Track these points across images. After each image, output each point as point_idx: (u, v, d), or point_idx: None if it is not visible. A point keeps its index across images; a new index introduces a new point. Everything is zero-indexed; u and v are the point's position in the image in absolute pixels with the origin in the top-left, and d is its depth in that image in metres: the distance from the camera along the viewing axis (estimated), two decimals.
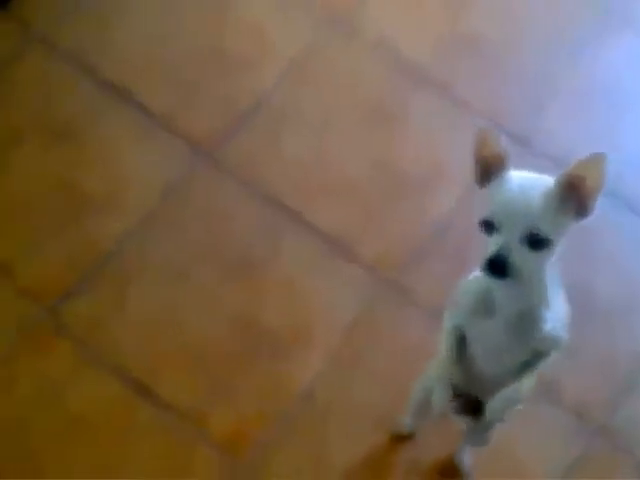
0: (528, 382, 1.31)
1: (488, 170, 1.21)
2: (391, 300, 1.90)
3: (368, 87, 2.17)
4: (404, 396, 1.71)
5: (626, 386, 1.87)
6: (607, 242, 2.02)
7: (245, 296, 1.89)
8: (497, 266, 1.16)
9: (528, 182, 1.18)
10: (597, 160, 1.15)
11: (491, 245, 1.17)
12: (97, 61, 2.11)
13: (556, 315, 1.28)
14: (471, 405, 1.42)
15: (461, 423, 1.51)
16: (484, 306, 1.28)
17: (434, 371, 1.45)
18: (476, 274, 1.31)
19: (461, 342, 1.35)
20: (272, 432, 1.75)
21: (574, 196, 1.17)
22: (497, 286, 1.24)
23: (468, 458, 1.72)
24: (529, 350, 1.30)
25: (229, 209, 1.99)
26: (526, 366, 1.31)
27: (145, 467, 1.69)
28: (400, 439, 1.74)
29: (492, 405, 1.34)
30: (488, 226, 1.18)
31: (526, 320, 1.26)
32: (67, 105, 2.07)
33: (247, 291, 1.89)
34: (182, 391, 1.77)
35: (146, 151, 2.03)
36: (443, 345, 1.36)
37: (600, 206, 2.00)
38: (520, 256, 1.16)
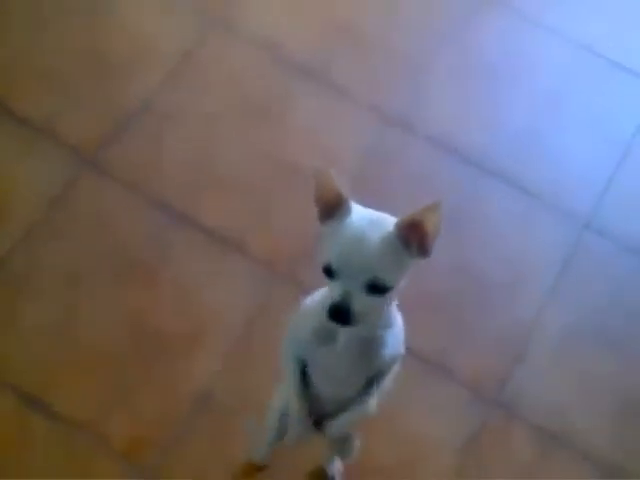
0: (373, 400, 1.32)
1: (329, 211, 1.19)
2: (285, 293, 1.91)
3: (250, 83, 2.17)
4: None
5: (515, 357, 1.91)
6: (488, 219, 2.07)
7: (140, 300, 1.87)
8: (339, 314, 1.16)
9: (367, 228, 1.16)
10: (434, 207, 1.15)
11: (332, 291, 1.17)
12: None
13: (396, 335, 1.29)
14: (320, 424, 1.40)
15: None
16: (324, 335, 1.27)
17: (280, 402, 1.47)
18: (308, 310, 1.31)
19: (303, 370, 1.35)
20: (173, 434, 1.74)
21: (413, 239, 1.17)
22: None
23: (335, 467, 1.71)
24: (371, 371, 1.30)
25: (117, 214, 1.97)
26: (368, 385, 1.31)
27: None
28: (255, 469, 1.71)
29: (335, 425, 1.34)
30: (328, 271, 1.17)
31: (368, 346, 1.26)
32: None
33: (140, 295, 1.88)
34: (78, 401, 1.74)
35: (28, 161, 2.00)
36: (288, 380, 1.35)
37: (473, 180, 2.09)
38: (361, 303, 1.16)
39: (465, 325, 1.94)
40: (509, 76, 2.27)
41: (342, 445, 1.53)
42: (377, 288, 1.16)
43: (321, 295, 1.28)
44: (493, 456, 1.79)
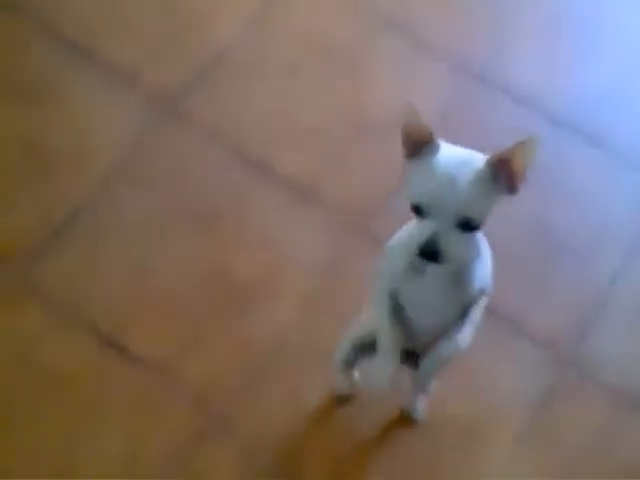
0: (465, 334, 1.32)
1: (415, 148, 1.21)
2: (358, 243, 1.91)
3: (333, 33, 2.16)
4: None
5: (593, 317, 1.89)
6: (567, 176, 2.04)
7: (216, 247, 1.89)
8: (429, 253, 1.17)
9: (456, 165, 1.17)
10: (527, 143, 1.15)
11: (422, 229, 1.17)
12: (56, 18, 2.10)
13: (483, 267, 1.30)
14: (409, 358, 1.43)
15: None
16: (415, 267, 1.28)
17: (354, 334, 1.50)
18: (401, 235, 1.32)
19: (396, 306, 1.35)
20: (246, 380, 1.76)
21: (503, 176, 1.17)
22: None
23: (419, 404, 1.73)
24: (462, 303, 1.31)
25: (196, 161, 1.98)
26: (460, 318, 1.32)
27: (118, 420, 1.70)
28: (342, 401, 1.75)
29: (428, 362, 1.35)
30: (418, 210, 1.18)
31: (458, 278, 1.27)
32: (29, 65, 2.05)
33: (217, 242, 1.89)
34: (155, 343, 1.77)
35: (111, 106, 2.02)
36: (379, 313, 1.35)
37: (558, 139, 2.05)
38: (450, 241, 1.17)
39: (543, 282, 1.91)
40: (596, 30, 2.21)
41: (423, 382, 1.53)
42: (467, 225, 1.17)
43: (410, 229, 1.28)
44: (565, 415, 1.78)
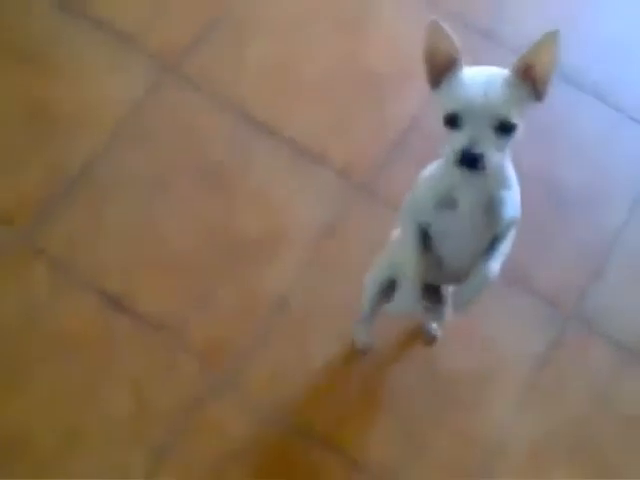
0: (496, 264, 1.33)
1: (441, 69, 1.22)
2: (362, 202, 1.91)
3: None
4: None
5: (596, 272, 1.89)
6: (573, 131, 2.03)
7: (220, 206, 1.89)
8: (469, 158, 1.18)
9: (485, 74, 1.19)
10: (548, 41, 1.17)
11: (459, 138, 1.18)
12: None
13: (513, 196, 1.31)
14: (433, 294, 1.45)
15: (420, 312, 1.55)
16: (446, 200, 1.29)
17: (380, 273, 1.51)
18: (432, 169, 1.33)
19: (424, 238, 1.36)
20: (251, 338, 1.77)
21: (529, 81, 1.19)
22: (460, 178, 1.26)
23: (434, 326, 1.76)
24: (491, 233, 1.32)
25: (197, 121, 1.98)
26: (490, 249, 1.33)
27: (125, 377, 1.72)
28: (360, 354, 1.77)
29: (464, 291, 1.35)
30: (453, 121, 1.19)
31: (490, 207, 1.28)
32: (30, 27, 2.05)
33: (221, 201, 1.90)
34: (160, 302, 1.79)
35: (111, 68, 2.02)
36: (407, 245, 1.36)
37: (564, 95, 2.04)
38: (490, 145, 1.18)
39: (546, 237, 1.91)
40: None
41: (440, 312, 1.55)
42: (504, 128, 1.18)
43: (438, 165, 1.31)
44: (570, 369, 1.79)
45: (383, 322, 1.76)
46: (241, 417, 1.70)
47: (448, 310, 1.55)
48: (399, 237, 1.43)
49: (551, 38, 1.17)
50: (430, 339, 1.77)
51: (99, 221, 1.87)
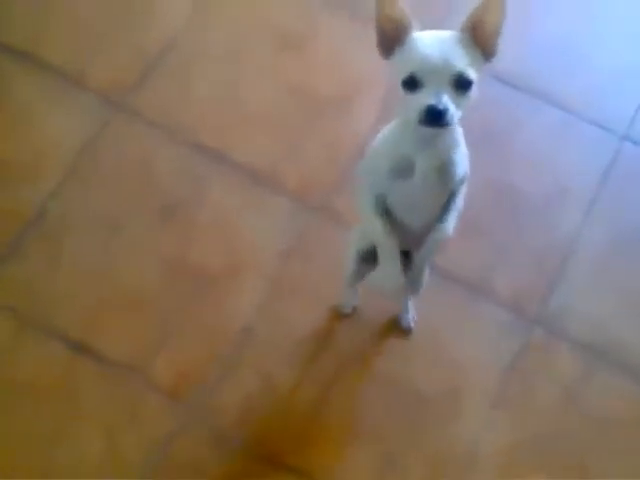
0: (451, 221, 1.39)
1: (392, 37, 1.25)
2: (321, 223, 1.91)
3: (275, 15, 2.15)
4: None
5: (556, 275, 1.90)
6: (524, 136, 2.04)
7: (178, 241, 1.89)
8: (435, 114, 1.21)
9: (437, 35, 1.24)
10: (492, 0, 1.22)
11: (422, 98, 1.22)
12: None
13: (462, 154, 1.36)
14: (406, 260, 1.48)
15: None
16: (401, 169, 1.33)
17: (356, 245, 1.56)
18: (384, 142, 1.37)
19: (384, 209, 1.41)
20: (217, 370, 1.77)
21: (479, 39, 1.24)
22: (415, 143, 1.30)
23: (410, 313, 1.80)
24: (447, 193, 1.37)
25: (149, 156, 1.98)
26: (446, 208, 1.39)
27: (95, 423, 1.70)
28: (343, 317, 1.81)
29: (424, 251, 1.42)
30: (412, 84, 1.22)
31: (443, 168, 1.33)
32: None
33: (179, 235, 1.89)
34: (124, 343, 1.78)
35: (57, 109, 2.01)
36: (372, 220, 1.40)
37: (513, 100, 2.05)
38: (451, 102, 1.22)
39: (504, 244, 1.92)
40: None
41: (416, 279, 1.55)
42: (462, 83, 1.22)
43: (389, 131, 1.36)
44: (537, 375, 1.79)
45: (351, 342, 1.77)
46: (211, 450, 1.69)
47: (425, 276, 1.56)
48: (362, 210, 1.45)
49: None
50: (407, 329, 1.80)
51: (56, 266, 1.85)
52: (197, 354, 1.77)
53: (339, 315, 1.81)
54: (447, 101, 1.21)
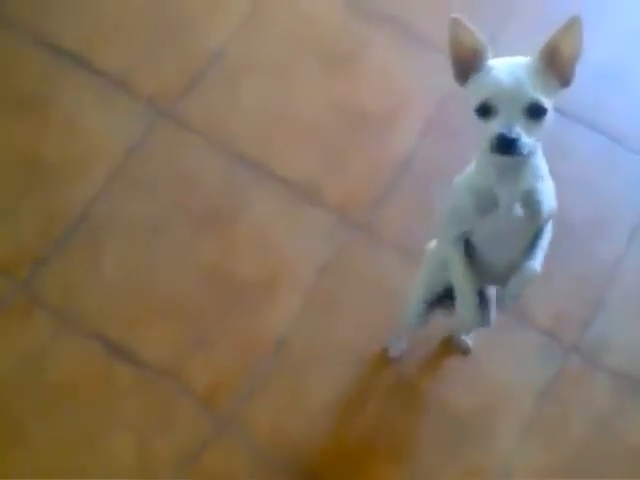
0: (539, 258, 1.36)
1: (467, 64, 1.24)
2: (360, 240, 1.91)
3: (324, 30, 2.16)
4: (380, 331, 1.79)
5: (596, 302, 1.89)
6: (568, 163, 2.03)
7: (217, 249, 1.90)
8: (505, 143, 1.20)
9: (512, 62, 1.22)
10: (571, 26, 1.21)
11: (494, 126, 1.20)
12: (47, 30, 2.11)
13: (548, 185, 1.33)
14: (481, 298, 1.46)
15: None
16: (485, 202, 1.31)
17: (419, 292, 1.53)
18: (465, 179, 1.34)
19: (467, 247, 1.39)
20: (252, 380, 1.77)
21: (555, 66, 1.23)
22: (495, 172, 1.28)
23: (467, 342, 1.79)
24: (533, 226, 1.34)
25: (193, 164, 1.99)
26: (532, 244, 1.36)
27: (129, 426, 1.72)
28: (390, 360, 1.80)
29: (511, 288, 1.37)
30: (485, 111, 1.21)
31: (528, 200, 1.30)
32: (24, 78, 2.06)
33: (219, 244, 1.90)
34: (161, 348, 1.79)
35: (105, 114, 2.03)
36: (454, 259, 1.38)
37: (558, 126, 2.04)
38: (523, 128, 1.20)
39: (545, 270, 1.90)
40: (592, 11, 2.20)
41: (492, 314, 1.56)
42: (535, 111, 1.20)
43: (470, 170, 1.33)
44: (572, 402, 1.78)
45: (387, 360, 1.77)
46: (243, 460, 1.70)
47: (493, 313, 1.55)
48: (438, 253, 1.44)
49: (575, 22, 1.20)
50: (465, 349, 1.79)
51: (97, 268, 1.87)
52: (232, 363, 1.78)
53: (386, 357, 1.80)
54: (519, 129, 1.19)
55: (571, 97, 2.08)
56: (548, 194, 1.33)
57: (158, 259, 1.89)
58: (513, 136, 1.19)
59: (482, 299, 1.48)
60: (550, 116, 1.22)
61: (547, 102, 1.21)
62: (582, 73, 2.11)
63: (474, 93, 1.22)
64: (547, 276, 1.90)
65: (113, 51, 2.10)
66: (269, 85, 2.09)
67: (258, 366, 1.79)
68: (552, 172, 2.02)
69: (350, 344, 1.81)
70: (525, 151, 1.21)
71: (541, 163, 1.31)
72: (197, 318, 1.83)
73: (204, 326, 1.82)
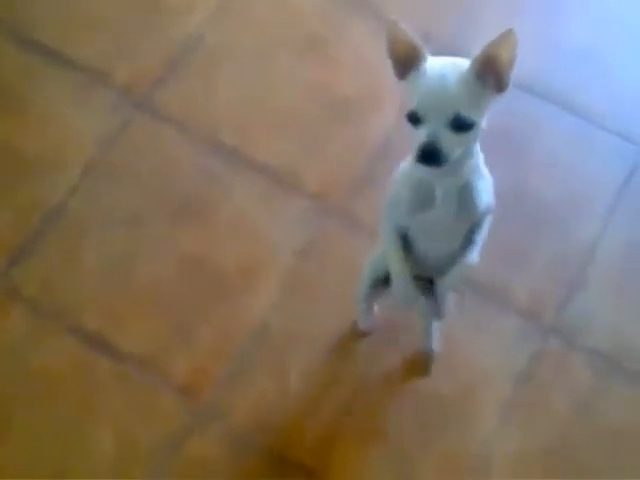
0: (475, 252, 1.38)
1: (405, 63, 1.24)
2: (339, 225, 1.92)
3: (301, 15, 2.15)
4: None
5: (574, 282, 1.89)
6: (543, 144, 2.03)
7: (196, 238, 1.89)
8: (429, 154, 1.21)
9: (445, 69, 1.22)
10: (507, 36, 1.20)
11: (420, 136, 1.21)
12: (24, 23, 2.09)
13: (486, 184, 1.35)
14: (425, 286, 1.49)
15: (419, 307, 1.59)
16: (422, 198, 1.33)
17: (370, 271, 1.58)
18: (403, 172, 1.37)
19: (405, 240, 1.41)
20: (232, 368, 1.77)
21: (490, 73, 1.22)
22: (432, 174, 1.29)
23: (435, 336, 1.78)
24: (469, 222, 1.36)
25: (170, 154, 1.99)
26: (469, 238, 1.38)
27: (108, 418, 1.71)
28: (359, 335, 1.81)
29: (448, 281, 1.41)
30: (414, 118, 1.22)
31: (464, 197, 1.32)
32: (0, 71, 2.06)
33: (198, 233, 1.90)
34: (140, 339, 1.78)
35: (80, 106, 2.02)
36: (390, 249, 1.41)
37: (532, 107, 2.05)
38: (448, 141, 1.20)
39: (521, 250, 1.92)
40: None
41: (438, 308, 1.57)
42: (461, 124, 1.20)
43: (407, 163, 1.35)
44: (552, 384, 1.78)
45: (367, 344, 1.77)
46: (224, 448, 1.70)
47: (450, 304, 1.57)
48: (382, 239, 1.46)
49: (509, 34, 1.20)
50: (428, 359, 1.78)
51: (75, 260, 1.86)
52: (212, 352, 1.78)
53: (357, 330, 1.81)
54: (444, 141, 1.20)
55: (548, 80, 2.10)
56: (485, 189, 1.34)
57: (137, 250, 1.88)
58: (435, 147, 1.20)
59: (432, 289, 1.50)
60: (480, 126, 1.22)
61: (475, 114, 1.21)
62: (558, 52, 2.14)
63: (408, 95, 1.23)
64: (524, 257, 1.92)
65: (88, 43, 2.09)
66: (245, 73, 2.09)
67: (238, 353, 1.79)
68: (528, 153, 2.05)
69: (329, 328, 1.81)
70: (450, 160, 1.22)
71: (479, 161, 1.32)
72: (177, 307, 1.82)
73: (184, 315, 1.82)
